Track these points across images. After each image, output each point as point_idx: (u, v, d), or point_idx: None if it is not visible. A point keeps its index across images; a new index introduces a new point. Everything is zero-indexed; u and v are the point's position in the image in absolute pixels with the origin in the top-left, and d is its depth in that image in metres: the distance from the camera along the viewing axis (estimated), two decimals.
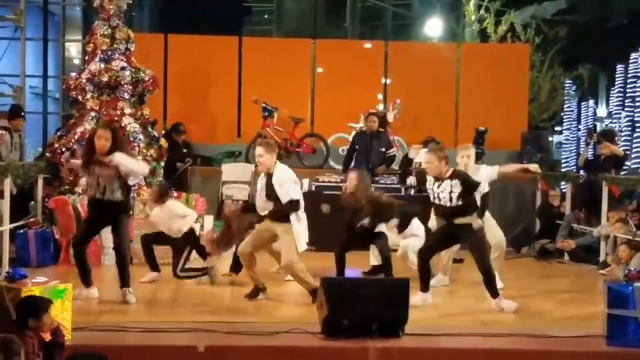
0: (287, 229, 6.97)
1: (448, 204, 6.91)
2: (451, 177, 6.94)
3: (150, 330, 5.80)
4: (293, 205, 6.97)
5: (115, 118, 9.87)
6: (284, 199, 6.97)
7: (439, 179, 6.97)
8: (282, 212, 6.97)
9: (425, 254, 7.13)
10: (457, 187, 6.89)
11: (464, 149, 8.07)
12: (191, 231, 8.20)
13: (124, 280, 7.01)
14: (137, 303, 6.91)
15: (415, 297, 6.84)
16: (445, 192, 6.92)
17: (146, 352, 5.42)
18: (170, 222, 8.09)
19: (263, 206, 7.16)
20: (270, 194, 7.02)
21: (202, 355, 5.46)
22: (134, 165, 7.02)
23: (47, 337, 4.73)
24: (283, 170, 7.11)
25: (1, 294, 5.27)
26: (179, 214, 8.15)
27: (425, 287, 7.08)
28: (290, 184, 7.04)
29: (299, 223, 7.03)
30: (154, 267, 8.08)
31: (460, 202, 6.88)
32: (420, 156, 10.65)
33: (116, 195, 6.93)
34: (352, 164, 10.81)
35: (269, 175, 7.05)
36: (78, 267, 7.09)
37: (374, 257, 8.43)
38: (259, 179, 7.24)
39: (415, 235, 8.27)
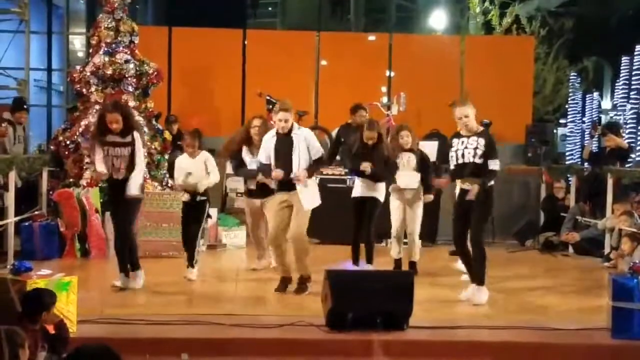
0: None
1: (471, 160, 6.82)
2: (477, 134, 6.91)
3: (155, 323, 5.81)
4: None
5: None
6: (316, 155, 7.09)
7: (466, 135, 6.91)
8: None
9: (459, 242, 7.04)
10: (482, 144, 6.86)
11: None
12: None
13: (134, 263, 7.19)
14: (141, 296, 6.93)
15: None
16: (470, 148, 6.86)
17: (151, 344, 5.44)
18: (202, 176, 7.88)
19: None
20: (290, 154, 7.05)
21: (206, 348, 5.48)
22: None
23: (52, 330, 4.75)
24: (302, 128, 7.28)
25: (6, 287, 5.28)
26: (211, 167, 7.97)
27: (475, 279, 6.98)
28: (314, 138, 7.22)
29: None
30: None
31: (481, 160, 6.84)
32: (425, 149, 10.62)
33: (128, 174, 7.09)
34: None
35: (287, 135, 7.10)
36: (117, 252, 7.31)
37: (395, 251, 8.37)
38: (269, 144, 7.19)
39: None
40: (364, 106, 11.02)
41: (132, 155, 7.10)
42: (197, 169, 7.85)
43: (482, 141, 6.88)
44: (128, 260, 7.24)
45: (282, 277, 7.30)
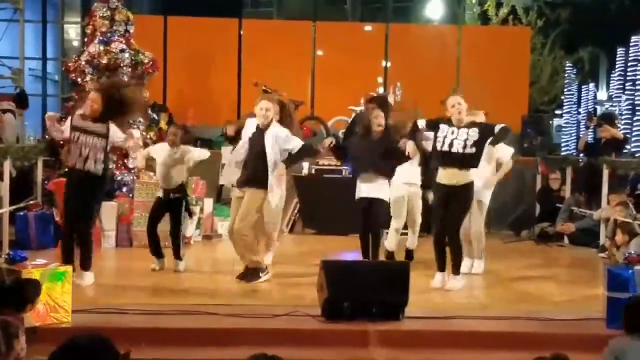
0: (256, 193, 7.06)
1: (459, 151, 6.83)
2: (468, 126, 6.92)
3: (150, 313, 5.81)
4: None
5: None
6: (296, 147, 7.07)
7: (456, 125, 6.90)
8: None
9: (439, 236, 7.04)
10: (474, 134, 6.87)
11: (476, 113, 7.47)
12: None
13: (83, 263, 6.84)
14: (137, 286, 6.91)
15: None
16: (460, 139, 6.85)
17: (146, 334, 5.43)
18: (177, 168, 7.66)
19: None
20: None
21: (203, 338, 5.48)
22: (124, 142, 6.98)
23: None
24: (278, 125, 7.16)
25: (1, 276, 5.26)
26: (195, 158, 7.79)
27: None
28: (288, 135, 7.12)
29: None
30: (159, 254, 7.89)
31: (473, 150, 6.86)
32: None
33: (98, 168, 6.70)
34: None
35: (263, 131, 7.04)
36: (66, 248, 6.93)
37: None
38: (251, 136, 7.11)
39: None
40: (376, 96, 11.11)
41: (104, 150, 6.72)
42: (173, 162, 7.58)
43: (473, 132, 6.88)
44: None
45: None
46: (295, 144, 7.15)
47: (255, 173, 7.05)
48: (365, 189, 7.60)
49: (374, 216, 7.59)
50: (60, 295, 5.47)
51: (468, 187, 6.94)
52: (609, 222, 9.29)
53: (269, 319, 5.74)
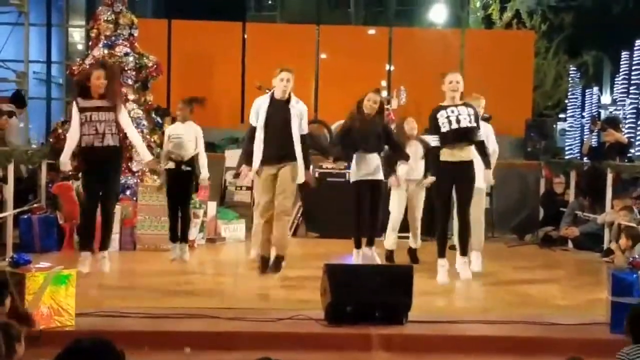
0: (294, 168, 7.06)
1: (468, 125, 7.06)
2: (464, 105, 7.21)
3: (153, 316, 5.80)
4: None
5: None
6: (303, 131, 7.17)
7: (453, 105, 7.14)
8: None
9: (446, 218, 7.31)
10: (472, 112, 7.17)
11: (479, 98, 7.95)
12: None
13: (105, 242, 7.11)
14: (140, 289, 6.92)
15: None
16: (464, 114, 7.10)
17: (149, 337, 5.43)
18: (190, 142, 7.91)
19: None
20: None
21: (206, 341, 5.48)
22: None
23: None
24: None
25: (6, 280, 5.26)
26: (200, 144, 8.03)
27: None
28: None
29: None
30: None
31: (475, 124, 7.12)
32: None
33: (115, 140, 6.99)
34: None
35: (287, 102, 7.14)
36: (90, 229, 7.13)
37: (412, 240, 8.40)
38: (270, 107, 7.16)
39: None
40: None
41: (116, 121, 6.97)
42: (187, 134, 7.83)
43: (470, 110, 7.20)
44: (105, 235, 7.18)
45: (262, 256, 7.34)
46: (305, 127, 7.27)
47: (287, 146, 7.10)
48: (365, 171, 7.79)
49: (374, 200, 7.78)
50: (64, 299, 5.47)
51: (472, 164, 7.21)
52: (613, 227, 9.27)
53: (272, 322, 5.73)
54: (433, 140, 7.30)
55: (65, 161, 7.28)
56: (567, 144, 20.51)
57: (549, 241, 10.51)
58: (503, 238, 10.84)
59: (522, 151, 12.77)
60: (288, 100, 7.18)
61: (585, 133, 19.23)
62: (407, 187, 8.22)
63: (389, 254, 8.23)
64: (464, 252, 7.33)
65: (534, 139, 12.48)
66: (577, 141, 20.08)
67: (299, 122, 7.17)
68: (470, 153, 7.17)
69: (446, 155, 7.11)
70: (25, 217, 8.90)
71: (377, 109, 7.87)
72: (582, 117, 20.82)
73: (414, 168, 8.21)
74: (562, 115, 19.47)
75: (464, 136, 7.09)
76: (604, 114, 20.28)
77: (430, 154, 7.52)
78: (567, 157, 16.79)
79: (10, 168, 8.43)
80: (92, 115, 6.91)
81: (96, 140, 6.92)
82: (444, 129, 7.11)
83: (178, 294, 6.84)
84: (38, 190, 9.78)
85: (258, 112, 7.24)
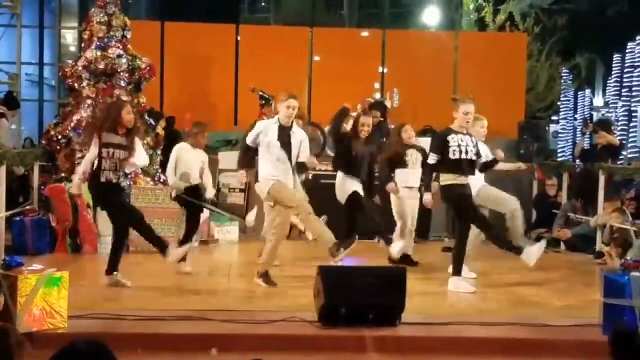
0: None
1: (474, 157, 7.13)
2: (469, 134, 7.25)
3: (147, 318, 5.80)
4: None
5: None
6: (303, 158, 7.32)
7: (462, 133, 7.15)
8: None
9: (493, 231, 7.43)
10: (475, 142, 7.23)
11: (482, 119, 7.99)
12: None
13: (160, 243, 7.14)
14: (133, 291, 6.91)
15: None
16: (470, 146, 7.12)
17: (143, 339, 5.42)
18: (197, 167, 7.95)
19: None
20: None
21: (199, 343, 5.47)
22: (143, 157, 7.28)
23: None
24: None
25: None
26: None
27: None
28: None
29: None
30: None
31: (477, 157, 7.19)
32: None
33: (125, 181, 7.25)
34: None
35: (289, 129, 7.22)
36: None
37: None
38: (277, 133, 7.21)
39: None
40: (375, 102, 11.17)
41: (128, 157, 7.02)
42: (196, 161, 7.87)
43: (474, 139, 7.25)
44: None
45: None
46: (306, 156, 7.35)
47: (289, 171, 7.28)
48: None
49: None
50: (57, 301, 5.46)
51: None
52: (605, 229, 9.30)
53: (265, 324, 5.73)
54: (431, 158, 7.27)
55: (78, 183, 7.25)
56: (559, 146, 20.57)
57: None
58: None
59: (515, 153, 12.79)
60: (291, 127, 7.21)
61: (577, 135, 19.29)
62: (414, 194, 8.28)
63: (395, 263, 8.18)
64: (458, 272, 7.22)
65: (526, 141, 12.51)
66: (569, 143, 20.14)
67: (299, 148, 7.25)
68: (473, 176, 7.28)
69: (450, 179, 7.11)
70: (18, 219, 8.88)
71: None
72: (575, 119, 20.89)
73: (411, 175, 8.23)
74: (554, 118, 19.53)
75: (472, 168, 7.16)
76: (596, 116, 20.34)
77: (426, 168, 7.53)
78: (559, 159, 16.83)
79: (2, 170, 8.41)
80: (114, 153, 6.94)
81: (114, 177, 6.97)
82: (454, 155, 7.08)
83: (171, 296, 6.83)
84: (30, 192, 9.75)
85: (261, 134, 7.23)
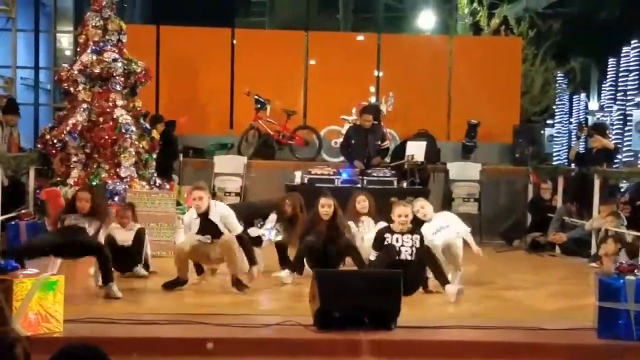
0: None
1: (409, 258, 7.01)
2: (412, 232, 7.09)
3: (142, 323, 5.80)
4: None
5: (107, 110, 9.85)
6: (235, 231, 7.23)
7: (400, 232, 7.04)
8: None
9: None
10: (417, 242, 7.08)
11: (419, 200, 7.83)
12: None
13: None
14: (129, 295, 6.89)
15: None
16: (407, 247, 7.04)
17: (138, 344, 5.42)
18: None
19: None
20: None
21: (194, 348, 5.47)
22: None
23: None
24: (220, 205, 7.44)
25: None
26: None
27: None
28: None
29: None
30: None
31: (415, 258, 7.04)
32: (413, 149, 10.67)
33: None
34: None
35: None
36: None
37: None
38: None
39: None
40: (369, 106, 11.18)
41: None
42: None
43: (416, 237, 7.08)
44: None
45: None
46: (236, 227, 7.27)
47: None
48: None
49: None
50: (52, 305, 5.45)
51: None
52: (600, 232, 9.32)
53: (260, 328, 5.74)
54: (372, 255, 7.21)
55: None
56: (554, 149, 20.58)
57: (537, 247, 10.55)
58: (491, 243, 10.86)
59: (510, 157, 12.84)
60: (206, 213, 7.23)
61: (572, 139, 19.31)
62: None
63: None
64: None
65: (522, 145, 12.55)
66: (564, 147, 20.15)
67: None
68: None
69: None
70: (13, 223, 8.87)
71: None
72: (570, 123, 20.90)
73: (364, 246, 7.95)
74: (549, 121, 19.52)
75: (404, 268, 6.77)
76: (591, 120, 20.37)
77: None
78: (554, 163, 16.85)
79: None
80: None
81: None
82: (384, 255, 7.02)
83: (166, 300, 6.83)
84: (25, 196, 9.74)
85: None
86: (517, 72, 13.80)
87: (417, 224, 7.35)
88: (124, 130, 9.75)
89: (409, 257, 7.03)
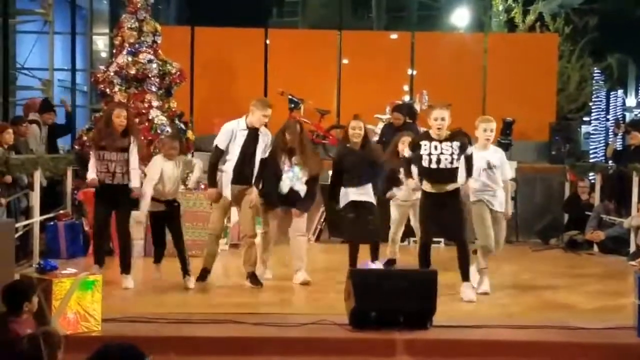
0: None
1: (449, 166, 6.72)
2: (451, 139, 6.79)
3: (179, 322, 5.84)
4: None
5: (143, 111, 9.94)
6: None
7: (438, 140, 6.77)
8: None
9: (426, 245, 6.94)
10: (457, 149, 6.76)
11: (487, 121, 7.33)
12: None
13: (126, 264, 7.26)
14: (166, 294, 6.96)
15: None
16: (446, 154, 6.73)
17: (175, 343, 5.47)
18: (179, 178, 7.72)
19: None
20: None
21: (230, 347, 5.50)
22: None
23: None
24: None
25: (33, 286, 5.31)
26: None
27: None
28: None
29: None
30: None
31: (457, 165, 6.77)
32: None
33: (125, 179, 7.16)
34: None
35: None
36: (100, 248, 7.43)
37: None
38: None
39: None
40: (400, 104, 11.11)
41: (128, 161, 7.15)
42: (178, 172, 7.63)
43: (456, 145, 6.77)
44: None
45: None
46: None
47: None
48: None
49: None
50: (91, 304, 5.52)
51: (457, 191, 6.82)
52: (639, 230, 9.20)
53: (296, 327, 5.75)
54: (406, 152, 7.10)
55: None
56: (591, 147, 20.34)
57: (574, 245, 10.44)
58: (527, 242, 10.79)
59: (546, 155, 12.69)
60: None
61: (609, 136, 19.06)
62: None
63: (393, 263, 8.31)
64: (466, 278, 6.96)
65: (558, 143, 12.40)
66: (601, 144, 19.90)
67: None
68: (451, 186, 6.77)
69: (427, 186, 6.84)
70: (52, 223, 8.99)
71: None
72: (607, 120, 20.64)
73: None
74: (586, 119, 19.29)
75: (444, 178, 6.73)
76: (628, 117, 20.10)
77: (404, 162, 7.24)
78: (591, 161, 16.64)
79: (37, 175, 8.53)
80: (104, 154, 7.14)
81: (107, 178, 7.14)
82: (424, 163, 6.77)
83: (203, 299, 6.88)
84: (64, 197, 9.87)
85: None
86: (553, 69, 13.65)
87: (462, 134, 6.98)
88: (159, 131, 9.82)
89: (448, 166, 6.71)
